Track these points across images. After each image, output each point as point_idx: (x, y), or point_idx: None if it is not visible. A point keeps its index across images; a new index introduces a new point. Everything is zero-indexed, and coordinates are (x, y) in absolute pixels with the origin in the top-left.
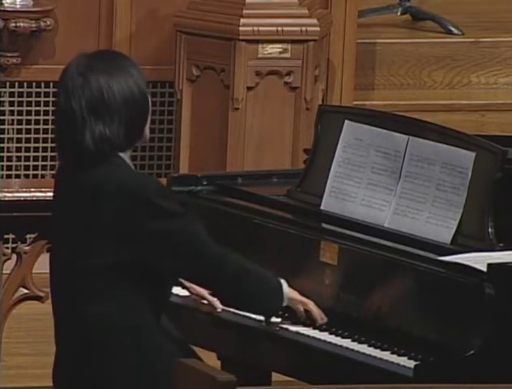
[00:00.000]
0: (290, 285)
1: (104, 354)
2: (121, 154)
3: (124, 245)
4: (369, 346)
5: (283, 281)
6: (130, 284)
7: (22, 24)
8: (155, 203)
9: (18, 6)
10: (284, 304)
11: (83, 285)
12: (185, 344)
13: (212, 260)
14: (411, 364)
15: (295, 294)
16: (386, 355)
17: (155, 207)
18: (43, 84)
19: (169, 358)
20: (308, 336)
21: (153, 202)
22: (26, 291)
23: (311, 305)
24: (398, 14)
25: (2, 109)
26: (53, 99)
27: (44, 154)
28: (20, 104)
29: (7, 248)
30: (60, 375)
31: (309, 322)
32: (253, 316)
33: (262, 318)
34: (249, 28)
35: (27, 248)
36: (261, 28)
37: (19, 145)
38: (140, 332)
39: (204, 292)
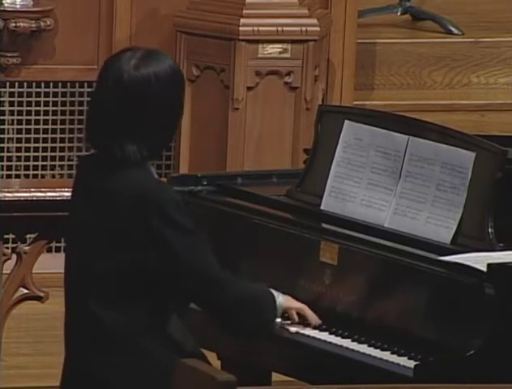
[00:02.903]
0: (290, 286)
1: (111, 355)
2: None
3: (136, 251)
4: (369, 346)
5: (276, 295)
6: (140, 288)
7: (22, 24)
8: (170, 214)
9: (18, 6)
10: (277, 318)
11: (95, 287)
12: (195, 348)
13: (215, 284)
14: (411, 364)
15: (289, 303)
16: (386, 355)
17: (169, 218)
18: (43, 84)
19: (174, 361)
20: (308, 336)
21: (168, 213)
22: (26, 291)
23: (306, 311)
24: (398, 14)
25: (2, 109)
26: (54, 99)
27: (44, 154)
28: (20, 104)
29: (7, 248)
30: (68, 374)
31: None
32: None
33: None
34: (249, 28)
35: (27, 248)
36: (261, 28)
37: (19, 145)
38: (147, 334)
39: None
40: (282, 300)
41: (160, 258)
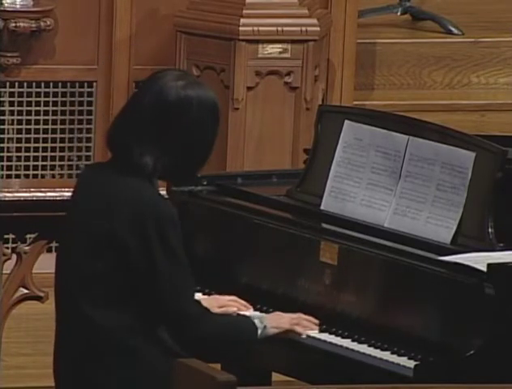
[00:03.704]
0: (290, 286)
1: (102, 357)
2: None
3: (128, 256)
4: (369, 346)
5: (261, 326)
6: (131, 291)
7: (22, 24)
8: (164, 232)
9: (18, 6)
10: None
11: (87, 288)
12: (179, 354)
13: (186, 318)
14: (411, 364)
15: (276, 329)
16: (386, 355)
17: (162, 235)
18: (43, 84)
19: (168, 363)
20: (308, 336)
21: (163, 230)
22: (26, 291)
23: (297, 328)
24: (398, 14)
25: (2, 109)
26: (54, 99)
27: (44, 154)
28: (20, 104)
29: (7, 248)
30: (60, 376)
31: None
32: None
33: None
34: (249, 28)
35: (27, 248)
36: (261, 28)
37: (19, 145)
38: (137, 335)
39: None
40: (269, 329)
41: (145, 277)
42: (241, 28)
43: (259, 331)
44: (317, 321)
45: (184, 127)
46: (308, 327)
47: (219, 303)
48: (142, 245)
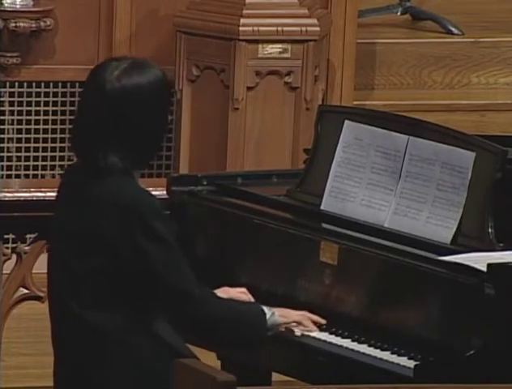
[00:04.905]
0: (290, 286)
1: (98, 357)
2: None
3: (115, 256)
4: (369, 346)
5: (269, 313)
6: (122, 289)
7: (22, 24)
8: (149, 222)
9: (18, 6)
10: (269, 334)
11: (78, 288)
12: (182, 349)
13: (189, 300)
14: (411, 364)
15: (285, 319)
16: (386, 355)
17: (147, 226)
18: (43, 84)
19: (165, 361)
20: (308, 336)
21: (147, 221)
22: (26, 291)
23: (305, 321)
24: (398, 14)
25: (2, 109)
26: (54, 99)
27: (44, 154)
28: (20, 104)
29: (7, 248)
30: (59, 376)
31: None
32: None
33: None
34: (249, 28)
35: (27, 248)
36: (261, 28)
37: (19, 145)
38: (131, 334)
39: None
40: (277, 317)
41: (139, 269)
42: (241, 28)
43: (268, 316)
44: (323, 321)
45: (132, 117)
46: (313, 327)
47: (229, 294)
48: (130, 244)
